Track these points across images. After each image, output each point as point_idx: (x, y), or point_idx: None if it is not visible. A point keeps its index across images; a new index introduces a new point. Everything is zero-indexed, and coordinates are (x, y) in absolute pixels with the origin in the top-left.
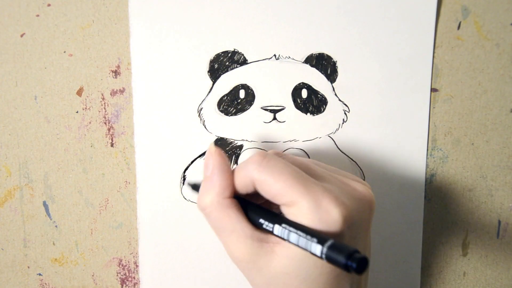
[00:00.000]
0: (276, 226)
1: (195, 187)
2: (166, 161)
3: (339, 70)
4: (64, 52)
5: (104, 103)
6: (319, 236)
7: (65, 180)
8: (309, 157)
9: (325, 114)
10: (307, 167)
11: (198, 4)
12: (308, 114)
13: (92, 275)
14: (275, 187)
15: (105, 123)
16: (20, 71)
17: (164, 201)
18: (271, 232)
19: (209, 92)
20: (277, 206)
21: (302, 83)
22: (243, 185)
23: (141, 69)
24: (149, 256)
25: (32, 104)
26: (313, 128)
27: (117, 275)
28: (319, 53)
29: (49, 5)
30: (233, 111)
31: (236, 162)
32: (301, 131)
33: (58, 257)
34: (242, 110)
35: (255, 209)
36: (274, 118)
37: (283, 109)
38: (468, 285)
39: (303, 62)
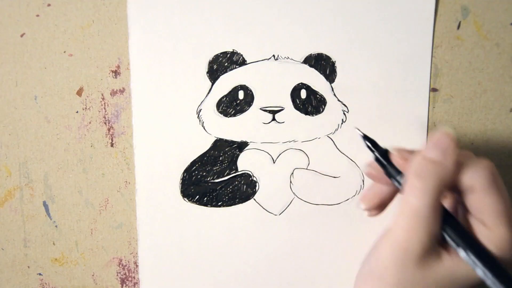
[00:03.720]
0: (470, 250)
1: (375, 145)
2: (165, 162)
3: (338, 70)
4: (64, 52)
5: (104, 103)
6: (506, 277)
7: (65, 180)
8: (308, 158)
9: (324, 115)
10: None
11: (197, 4)
12: (307, 114)
13: (92, 275)
14: (493, 206)
15: (105, 123)
16: (20, 71)
17: (163, 201)
18: (458, 247)
19: (208, 93)
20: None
21: (301, 83)
22: (459, 185)
23: (140, 69)
24: (149, 256)
25: (32, 104)
26: (312, 129)
27: (117, 275)
28: (318, 53)
29: (49, 5)
30: (232, 112)
31: (235, 163)
32: (300, 131)
33: (58, 257)
34: (241, 111)
35: (451, 217)
36: (273, 119)
37: (282, 109)
38: None
39: (302, 63)
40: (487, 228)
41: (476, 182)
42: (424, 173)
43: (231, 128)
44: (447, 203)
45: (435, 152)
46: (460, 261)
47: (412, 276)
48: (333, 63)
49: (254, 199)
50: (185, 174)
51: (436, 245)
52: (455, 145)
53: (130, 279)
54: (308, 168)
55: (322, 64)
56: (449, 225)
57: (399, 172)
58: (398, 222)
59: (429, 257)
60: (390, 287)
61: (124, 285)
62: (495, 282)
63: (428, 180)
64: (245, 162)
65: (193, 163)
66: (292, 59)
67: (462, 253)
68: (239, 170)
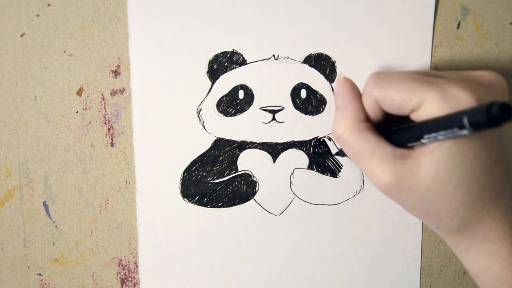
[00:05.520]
0: (421, 133)
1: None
2: (165, 161)
3: (338, 70)
4: (64, 52)
5: (104, 103)
6: (455, 114)
7: (65, 180)
8: (309, 158)
9: (324, 114)
10: (424, 72)
11: (197, 4)
12: (307, 114)
13: (92, 275)
14: (398, 95)
15: (105, 123)
16: (20, 71)
17: (163, 201)
18: (415, 139)
19: (208, 92)
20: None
21: (301, 83)
22: (370, 109)
23: (140, 69)
24: (149, 256)
25: (32, 104)
26: (313, 128)
27: (117, 275)
28: (318, 53)
29: (49, 5)
30: (232, 112)
31: (235, 163)
32: (300, 131)
33: (58, 257)
34: (241, 110)
35: (389, 131)
36: (273, 119)
37: (282, 109)
38: (468, 284)
39: (302, 62)
40: (418, 111)
41: (371, 94)
42: (334, 122)
43: (231, 128)
44: None
45: (335, 100)
46: (434, 147)
47: (415, 196)
48: (333, 63)
49: (254, 199)
50: (185, 174)
51: (404, 160)
52: (345, 83)
53: (130, 279)
54: (308, 168)
55: (322, 64)
56: (396, 135)
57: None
58: (364, 174)
59: (409, 173)
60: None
61: (124, 285)
62: (452, 131)
63: (340, 124)
64: (245, 162)
65: (193, 163)
66: (292, 59)
67: (424, 141)
68: (239, 170)
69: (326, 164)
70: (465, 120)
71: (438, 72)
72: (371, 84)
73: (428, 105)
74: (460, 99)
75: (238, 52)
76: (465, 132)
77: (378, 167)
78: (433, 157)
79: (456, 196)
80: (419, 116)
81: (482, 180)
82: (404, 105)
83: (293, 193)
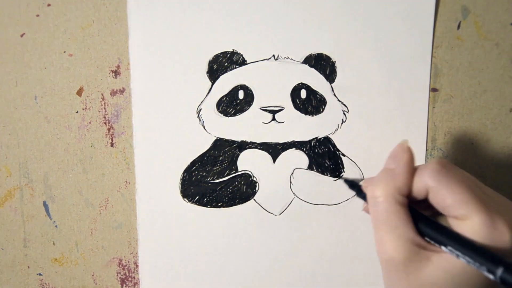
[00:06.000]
0: (449, 243)
1: (353, 184)
2: (165, 161)
3: (338, 70)
4: (64, 52)
5: (104, 103)
6: (494, 257)
7: (65, 180)
8: (309, 158)
9: (324, 115)
10: (475, 183)
11: (197, 4)
12: (307, 114)
13: (92, 275)
14: (451, 198)
15: (105, 123)
16: (20, 71)
17: (163, 201)
18: (440, 244)
19: (208, 92)
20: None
21: (301, 83)
22: (415, 190)
23: (140, 69)
24: (149, 256)
25: (32, 104)
26: (312, 129)
27: (117, 275)
28: (318, 53)
29: (49, 5)
30: (232, 112)
31: (235, 163)
32: (300, 131)
33: (58, 257)
34: (241, 110)
35: (424, 218)
36: (273, 119)
37: (282, 109)
38: None
39: (302, 63)
40: (459, 220)
41: (427, 181)
42: (377, 181)
43: (231, 128)
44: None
45: (388, 161)
46: (452, 258)
47: (406, 284)
48: (333, 63)
49: (254, 200)
50: (185, 174)
51: (419, 249)
52: (408, 153)
53: (130, 279)
54: (308, 168)
55: (322, 64)
56: (426, 226)
57: None
58: (374, 237)
59: (415, 262)
60: None
61: (124, 285)
62: (480, 266)
63: (383, 186)
64: (245, 162)
65: (193, 163)
66: (292, 59)
67: (444, 248)
68: (239, 170)
69: (326, 164)
70: (499, 273)
71: (489, 191)
72: (432, 172)
73: (470, 223)
74: (502, 235)
75: (238, 52)
76: (491, 277)
77: (393, 243)
78: (445, 263)
79: None
80: (456, 225)
81: None
82: (449, 209)
83: (293, 193)
